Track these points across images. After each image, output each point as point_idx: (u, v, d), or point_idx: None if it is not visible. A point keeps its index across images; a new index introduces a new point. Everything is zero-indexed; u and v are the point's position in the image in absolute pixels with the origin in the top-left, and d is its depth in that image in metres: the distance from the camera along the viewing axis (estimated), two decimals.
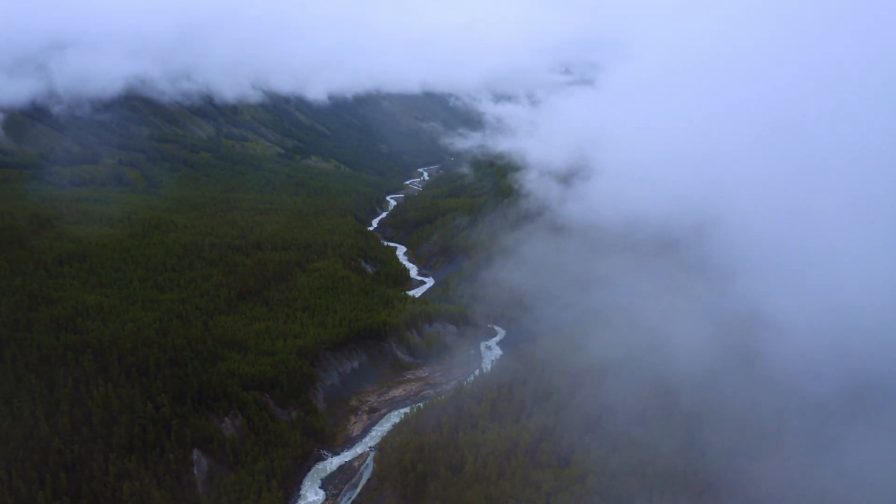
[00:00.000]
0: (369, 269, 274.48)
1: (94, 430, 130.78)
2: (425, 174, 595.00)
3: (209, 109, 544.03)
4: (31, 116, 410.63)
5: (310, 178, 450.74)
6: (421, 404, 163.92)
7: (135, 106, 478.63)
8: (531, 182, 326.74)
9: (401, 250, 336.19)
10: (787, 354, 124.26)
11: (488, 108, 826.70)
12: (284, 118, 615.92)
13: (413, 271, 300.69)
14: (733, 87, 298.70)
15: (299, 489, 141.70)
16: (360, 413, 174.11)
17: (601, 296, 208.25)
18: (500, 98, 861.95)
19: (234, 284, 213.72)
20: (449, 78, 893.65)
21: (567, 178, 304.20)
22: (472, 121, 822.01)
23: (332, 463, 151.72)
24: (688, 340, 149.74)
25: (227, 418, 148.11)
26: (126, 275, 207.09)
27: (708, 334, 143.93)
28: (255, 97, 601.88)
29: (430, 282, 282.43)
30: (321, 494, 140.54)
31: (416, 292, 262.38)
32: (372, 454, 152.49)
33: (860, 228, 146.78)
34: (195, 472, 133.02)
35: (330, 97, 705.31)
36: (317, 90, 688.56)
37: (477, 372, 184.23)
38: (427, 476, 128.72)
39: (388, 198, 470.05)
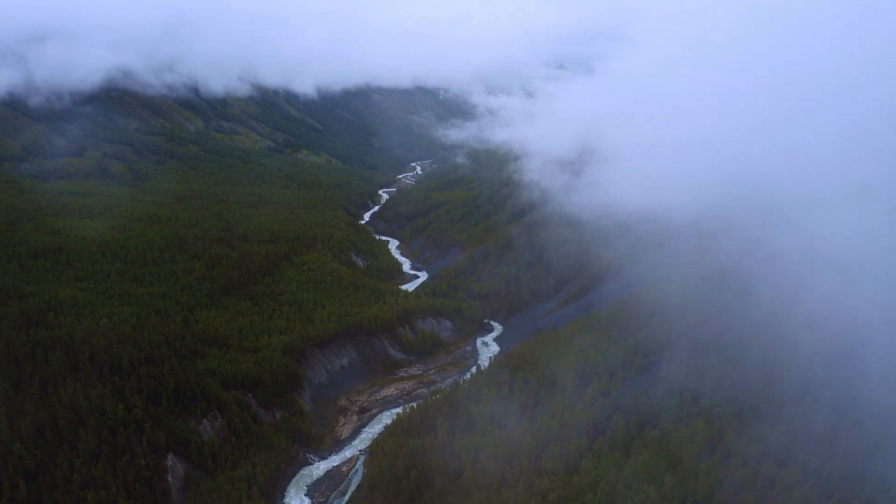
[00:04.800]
0: (360, 262, 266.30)
1: (60, 433, 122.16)
2: (418, 168, 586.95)
3: (198, 102, 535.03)
4: (14, 108, 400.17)
5: (300, 171, 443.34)
6: (414, 404, 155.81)
7: (121, 98, 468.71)
8: (529, 172, 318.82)
9: (393, 244, 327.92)
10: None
11: (481, 101, 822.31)
12: (274, 112, 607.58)
13: (406, 265, 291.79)
14: (733, 74, 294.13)
15: (283, 496, 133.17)
16: (349, 414, 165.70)
17: (605, 289, 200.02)
18: (493, 90, 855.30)
19: (217, 278, 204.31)
20: (440, 72, 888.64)
21: (567, 167, 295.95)
22: (464, 113, 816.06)
23: (319, 468, 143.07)
24: (696, 335, 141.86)
25: (205, 420, 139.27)
26: (104, 268, 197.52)
27: (724, 324, 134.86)
28: (243, 90, 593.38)
29: (423, 276, 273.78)
30: (307, 502, 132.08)
31: (409, 287, 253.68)
32: (362, 458, 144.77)
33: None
34: (169, 478, 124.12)
35: (319, 91, 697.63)
36: (306, 84, 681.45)
37: (474, 369, 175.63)
38: (421, 483, 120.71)
39: (380, 192, 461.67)
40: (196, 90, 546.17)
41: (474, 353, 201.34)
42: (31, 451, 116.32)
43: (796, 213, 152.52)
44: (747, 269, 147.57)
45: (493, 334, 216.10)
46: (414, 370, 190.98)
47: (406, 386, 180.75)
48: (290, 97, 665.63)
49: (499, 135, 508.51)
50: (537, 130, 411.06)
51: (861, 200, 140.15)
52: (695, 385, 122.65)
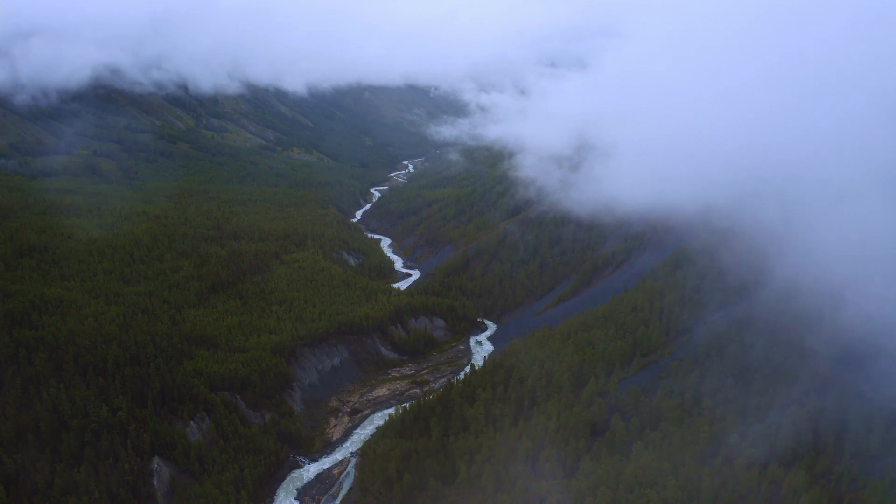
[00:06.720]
0: (352, 260, 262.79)
1: (42, 436, 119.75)
2: (410, 166, 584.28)
3: (188, 100, 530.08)
4: (1, 105, 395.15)
5: (291, 169, 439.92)
6: (407, 405, 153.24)
7: (110, 96, 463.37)
8: (524, 169, 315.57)
9: (385, 242, 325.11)
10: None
11: (472, 98, 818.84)
12: (265, 110, 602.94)
13: (398, 263, 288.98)
14: (728, 66, 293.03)
15: (272, 500, 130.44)
16: (340, 415, 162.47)
17: (602, 286, 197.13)
18: (484, 87, 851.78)
19: (205, 276, 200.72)
20: (431, 70, 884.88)
21: (562, 163, 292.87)
22: (456, 110, 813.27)
23: (310, 471, 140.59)
24: (698, 333, 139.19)
25: (192, 422, 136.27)
26: (90, 266, 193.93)
27: (727, 322, 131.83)
28: (232, 88, 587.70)
29: (415, 274, 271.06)
30: None
31: (402, 285, 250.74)
32: (353, 461, 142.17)
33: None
34: (155, 483, 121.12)
35: (310, 89, 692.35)
36: (296, 81, 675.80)
37: (468, 369, 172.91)
38: (414, 487, 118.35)
39: (372, 190, 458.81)
40: (185, 88, 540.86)
41: (468, 353, 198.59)
42: (11, 454, 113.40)
43: (798, 209, 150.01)
44: (749, 265, 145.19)
45: (487, 333, 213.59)
46: (406, 370, 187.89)
47: (398, 386, 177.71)
48: (280, 95, 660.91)
49: (492, 132, 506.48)
50: (531, 127, 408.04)
51: (863, 195, 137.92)
52: (696, 385, 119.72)
